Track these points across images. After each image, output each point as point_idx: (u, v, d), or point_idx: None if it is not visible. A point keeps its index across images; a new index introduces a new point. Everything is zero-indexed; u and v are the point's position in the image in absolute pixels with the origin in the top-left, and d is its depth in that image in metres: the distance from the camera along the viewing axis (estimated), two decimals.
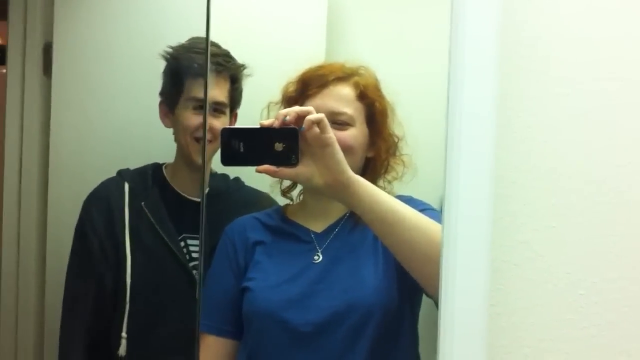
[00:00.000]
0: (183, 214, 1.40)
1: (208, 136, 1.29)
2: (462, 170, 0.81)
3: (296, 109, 1.00)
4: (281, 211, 1.24)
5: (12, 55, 1.52)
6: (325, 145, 0.98)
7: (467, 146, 0.81)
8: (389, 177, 1.21)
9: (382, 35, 1.41)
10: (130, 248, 1.35)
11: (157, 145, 1.46)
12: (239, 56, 1.38)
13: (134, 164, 1.45)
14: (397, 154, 1.22)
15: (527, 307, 0.87)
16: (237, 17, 1.43)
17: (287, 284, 1.13)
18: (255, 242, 1.19)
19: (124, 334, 1.34)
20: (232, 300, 1.16)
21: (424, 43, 1.36)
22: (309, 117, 0.98)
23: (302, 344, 1.09)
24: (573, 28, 0.87)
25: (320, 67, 1.19)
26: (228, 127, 1.26)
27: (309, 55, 1.26)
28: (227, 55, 1.36)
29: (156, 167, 1.44)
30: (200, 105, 1.36)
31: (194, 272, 1.37)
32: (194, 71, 1.37)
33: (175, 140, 1.41)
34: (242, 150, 0.98)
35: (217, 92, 1.35)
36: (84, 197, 1.41)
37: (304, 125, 0.98)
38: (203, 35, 1.15)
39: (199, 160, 1.34)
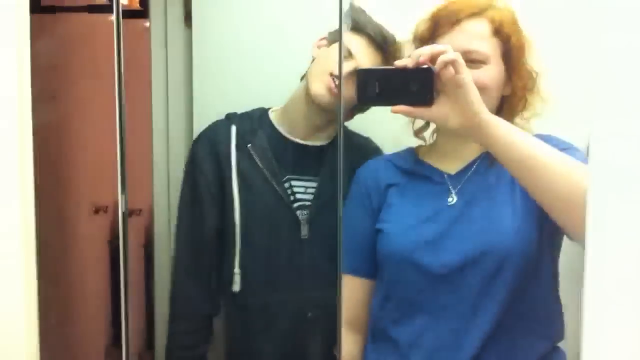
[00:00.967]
0: (288, 157, 1.43)
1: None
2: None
3: (429, 49, 0.97)
4: (414, 152, 1.23)
5: (154, 8, 1.59)
6: (459, 85, 0.96)
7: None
8: (526, 114, 1.16)
9: None
10: (237, 188, 1.40)
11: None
12: None
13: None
14: (536, 90, 1.16)
15: None
16: None
17: (421, 226, 1.13)
18: (388, 185, 1.20)
19: (237, 270, 1.42)
20: (367, 242, 1.18)
21: None
22: (442, 58, 0.96)
23: (437, 285, 1.10)
24: None
25: (452, 2, 1.13)
26: (364, 67, 1.26)
27: None
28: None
29: (263, 112, 1.47)
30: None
31: (298, 212, 1.41)
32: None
33: (307, 78, 1.38)
34: (377, 90, 0.98)
35: None
36: None
37: (436, 66, 0.96)
38: None
39: (330, 99, 1.33)
